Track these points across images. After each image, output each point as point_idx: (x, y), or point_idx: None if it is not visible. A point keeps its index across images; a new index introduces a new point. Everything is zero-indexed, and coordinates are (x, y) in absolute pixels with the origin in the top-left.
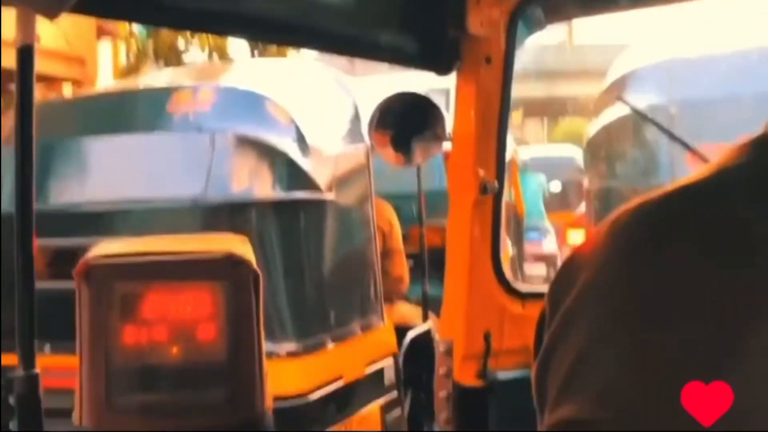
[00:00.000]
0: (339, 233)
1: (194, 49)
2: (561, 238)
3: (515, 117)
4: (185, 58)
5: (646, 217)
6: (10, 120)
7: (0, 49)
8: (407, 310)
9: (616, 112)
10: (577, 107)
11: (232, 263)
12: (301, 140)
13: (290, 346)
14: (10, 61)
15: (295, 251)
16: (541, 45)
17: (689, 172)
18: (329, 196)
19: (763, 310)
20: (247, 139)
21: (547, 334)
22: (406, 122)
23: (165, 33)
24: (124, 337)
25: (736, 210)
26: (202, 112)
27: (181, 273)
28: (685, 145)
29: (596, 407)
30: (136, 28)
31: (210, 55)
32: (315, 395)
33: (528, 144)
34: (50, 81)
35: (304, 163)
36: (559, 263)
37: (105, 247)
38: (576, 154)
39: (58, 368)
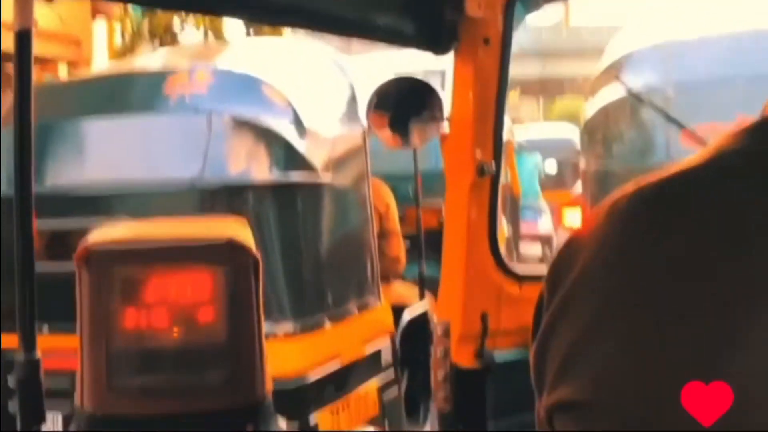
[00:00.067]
0: (336, 215)
1: (189, 29)
2: (557, 217)
3: (512, 97)
4: (180, 38)
5: (644, 202)
6: (7, 101)
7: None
8: (404, 291)
9: (612, 93)
10: (573, 87)
11: (232, 248)
12: (297, 122)
13: (288, 326)
14: (6, 43)
15: (293, 233)
16: (537, 25)
17: (685, 152)
18: (326, 178)
19: (761, 296)
20: (243, 121)
21: (546, 316)
22: (403, 105)
23: (160, 13)
24: (125, 321)
25: (733, 196)
26: (199, 95)
27: (182, 258)
28: (681, 126)
29: (593, 390)
30: (131, 8)
31: (205, 35)
32: (313, 375)
33: (524, 123)
34: (46, 62)
35: (301, 145)
36: (555, 243)
37: (105, 232)
38: (572, 133)
39: (56, 349)
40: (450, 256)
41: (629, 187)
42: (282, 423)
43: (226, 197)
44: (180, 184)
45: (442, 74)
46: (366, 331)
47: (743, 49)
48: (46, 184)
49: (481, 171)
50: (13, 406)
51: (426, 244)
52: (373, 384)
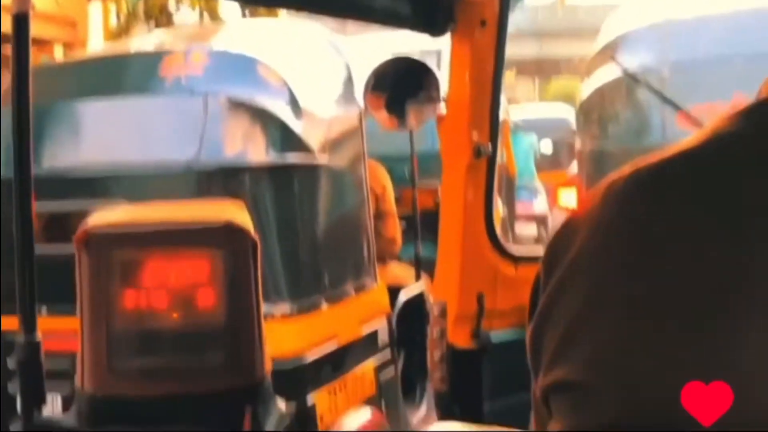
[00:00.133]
0: (332, 196)
1: (185, 9)
2: (552, 197)
3: (508, 77)
4: (176, 19)
5: (640, 184)
6: (5, 83)
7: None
8: (400, 272)
9: (608, 73)
10: (569, 67)
11: (230, 231)
12: (293, 103)
13: (285, 307)
14: (4, 26)
15: (289, 214)
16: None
17: (681, 132)
18: (322, 159)
19: (757, 277)
20: (239, 102)
21: (542, 298)
22: (400, 86)
23: None
24: (125, 304)
25: (729, 178)
26: (195, 76)
27: (181, 241)
28: (677, 107)
29: (588, 370)
30: None
31: (201, 16)
32: (310, 355)
33: (520, 103)
34: (41, 44)
35: (297, 126)
36: (550, 223)
37: (104, 215)
38: (567, 113)
39: (55, 331)
40: (446, 237)
41: (626, 168)
42: (281, 404)
43: (223, 179)
44: (176, 166)
45: (438, 54)
46: (363, 312)
47: (741, 27)
48: (42, 166)
49: (477, 152)
50: (12, 387)
51: (422, 225)
52: (369, 364)
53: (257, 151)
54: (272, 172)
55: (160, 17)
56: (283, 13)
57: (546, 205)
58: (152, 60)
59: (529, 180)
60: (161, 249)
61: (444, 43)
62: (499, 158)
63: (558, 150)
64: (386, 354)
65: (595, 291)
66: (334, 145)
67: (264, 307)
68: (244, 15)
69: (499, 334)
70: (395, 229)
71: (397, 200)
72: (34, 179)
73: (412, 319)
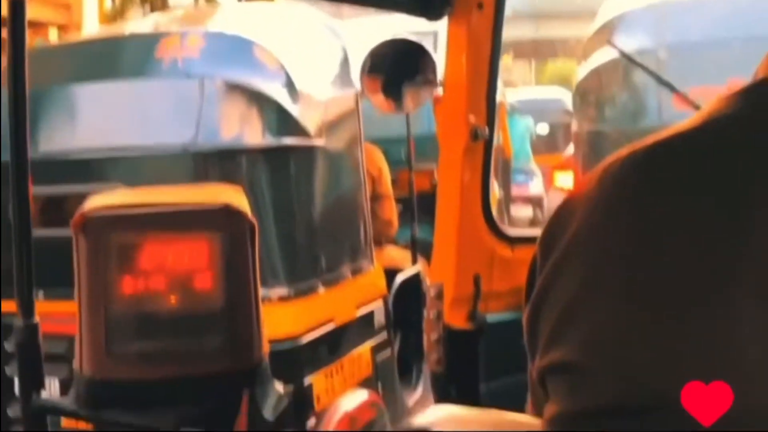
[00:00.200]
0: (329, 179)
1: None
2: (548, 180)
3: (505, 60)
4: (171, 1)
5: (636, 166)
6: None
7: None
8: (396, 254)
9: (605, 55)
10: (566, 49)
11: (228, 214)
12: (290, 85)
13: (282, 290)
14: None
15: (286, 197)
16: None
17: (677, 114)
18: (319, 141)
19: (751, 258)
20: (236, 85)
21: (539, 280)
22: (397, 68)
23: None
24: (123, 287)
25: (725, 160)
26: (191, 58)
27: (178, 224)
28: (673, 89)
29: (585, 352)
30: None
31: None
32: (307, 338)
33: (516, 87)
34: (36, 26)
35: (294, 108)
36: (546, 205)
37: (101, 199)
38: (563, 96)
39: (52, 314)
40: (443, 219)
41: (623, 151)
42: (278, 386)
43: (219, 162)
44: (173, 148)
45: (435, 35)
46: (359, 295)
47: (738, 10)
48: (38, 150)
49: (474, 135)
50: (10, 370)
51: (418, 207)
52: (366, 346)
53: (254, 134)
54: (269, 154)
55: (155, 0)
56: None
57: (542, 188)
58: (148, 42)
59: (525, 162)
60: (159, 232)
61: (440, 24)
62: (496, 141)
63: (554, 133)
64: (383, 335)
65: (592, 273)
66: (330, 128)
67: (261, 291)
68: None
69: (495, 315)
70: (392, 211)
71: (394, 182)
72: (31, 163)
73: (408, 300)
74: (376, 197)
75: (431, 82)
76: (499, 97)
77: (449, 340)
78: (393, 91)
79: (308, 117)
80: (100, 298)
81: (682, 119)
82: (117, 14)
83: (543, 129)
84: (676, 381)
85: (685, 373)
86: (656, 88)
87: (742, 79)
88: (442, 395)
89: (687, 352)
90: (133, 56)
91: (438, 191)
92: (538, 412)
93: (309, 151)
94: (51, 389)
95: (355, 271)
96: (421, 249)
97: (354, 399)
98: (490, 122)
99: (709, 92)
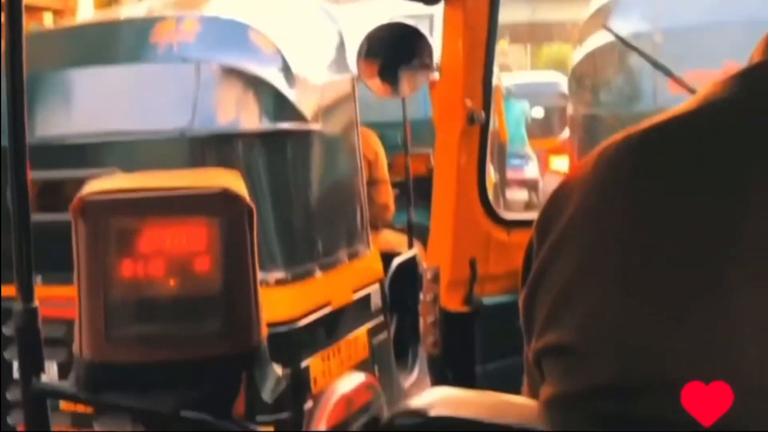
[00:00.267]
0: (325, 163)
1: None
2: (543, 164)
3: (501, 44)
4: None
5: (631, 151)
6: None
7: None
8: (393, 238)
9: (600, 39)
10: (562, 33)
11: (226, 198)
12: (286, 70)
13: (279, 274)
14: None
15: (283, 182)
16: None
17: (672, 98)
18: (315, 126)
19: (745, 241)
20: (232, 69)
21: (535, 263)
22: (393, 52)
23: None
24: (122, 271)
25: (720, 144)
26: (186, 43)
27: (177, 208)
28: (669, 73)
29: (580, 334)
30: None
31: None
32: (304, 321)
33: (512, 71)
34: (31, 11)
35: (290, 93)
36: (541, 189)
37: (100, 184)
38: (559, 79)
39: (50, 298)
40: (440, 203)
41: (618, 135)
42: (277, 368)
43: (216, 146)
44: (169, 133)
45: (431, 18)
46: (356, 277)
47: None
48: (34, 135)
49: (471, 119)
50: (9, 353)
51: (414, 191)
52: (363, 329)
53: (250, 118)
54: (265, 139)
55: None
56: None
57: (537, 171)
58: (143, 27)
59: (521, 146)
60: (158, 216)
61: (436, 8)
62: (491, 125)
63: (549, 116)
64: (379, 318)
65: (588, 256)
66: (327, 112)
67: (259, 274)
68: None
69: (491, 298)
70: (388, 195)
71: (390, 167)
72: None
73: (404, 283)
74: (372, 181)
75: (427, 66)
76: (494, 81)
77: (445, 323)
78: (389, 75)
79: (305, 101)
80: (99, 282)
81: (677, 103)
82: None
83: (538, 113)
84: (670, 362)
85: (680, 354)
86: (651, 72)
87: (737, 62)
88: (439, 377)
89: (682, 334)
90: (128, 41)
91: (434, 175)
92: (533, 394)
93: (305, 136)
94: (49, 373)
95: (352, 255)
96: (417, 233)
97: (351, 381)
98: (487, 106)
99: (704, 76)
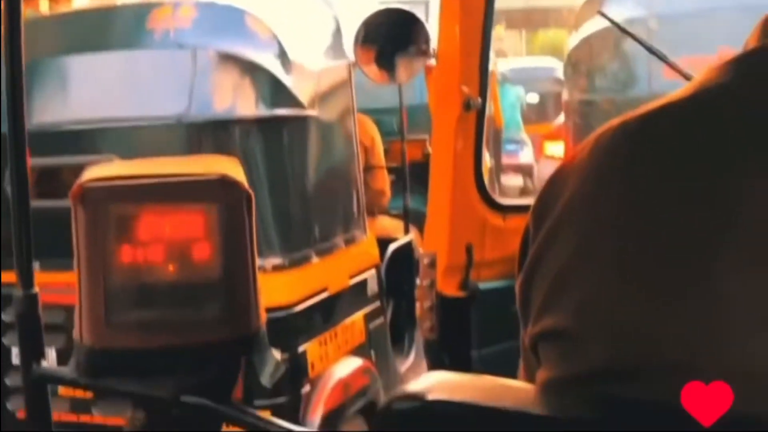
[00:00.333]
0: (322, 149)
1: None
2: (538, 149)
3: (497, 30)
4: None
5: (627, 136)
6: None
7: None
8: (389, 223)
9: (596, 24)
10: (557, 18)
11: (225, 185)
12: (283, 56)
13: (276, 260)
14: None
15: (279, 168)
16: None
17: (667, 83)
18: (312, 112)
19: (740, 228)
20: (228, 55)
21: (532, 249)
22: (390, 38)
23: None
24: (121, 258)
25: (717, 129)
26: (183, 29)
27: (176, 195)
28: (664, 58)
29: (577, 319)
30: None
31: None
32: (301, 306)
33: (507, 57)
34: None
35: (287, 79)
36: (536, 174)
37: (99, 170)
38: (554, 64)
39: (48, 285)
40: (436, 189)
41: (614, 120)
42: (275, 354)
43: (213, 133)
44: (166, 119)
45: (426, 4)
46: (352, 263)
47: None
48: (31, 122)
49: (467, 106)
50: (8, 339)
51: (410, 177)
52: (359, 314)
53: (247, 104)
54: (262, 125)
55: None
56: None
57: (532, 157)
58: (140, 13)
59: (516, 131)
60: (157, 203)
61: None
62: (487, 110)
63: (544, 102)
64: (375, 303)
65: (584, 241)
66: (323, 98)
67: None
68: None
69: (487, 283)
70: (384, 181)
71: (386, 153)
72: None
73: (400, 269)
74: (368, 167)
75: (424, 52)
76: (490, 67)
77: (442, 308)
78: (386, 61)
79: (301, 87)
80: (99, 269)
81: (672, 88)
82: None
83: (533, 98)
84: (666, 347)
85: (675, 338)
86: (646, 58)
87: (732, 48)
88: (435, 362)
89: (677, 319)
90: (124, 27)
91: (431, 162)
92: (529, 378)
93: (302, 122)
94: (48, 359)
95: (349, 241)
96: (413, 218)
97: (347, 366)
98: (483, 92)
99: (699, 61)
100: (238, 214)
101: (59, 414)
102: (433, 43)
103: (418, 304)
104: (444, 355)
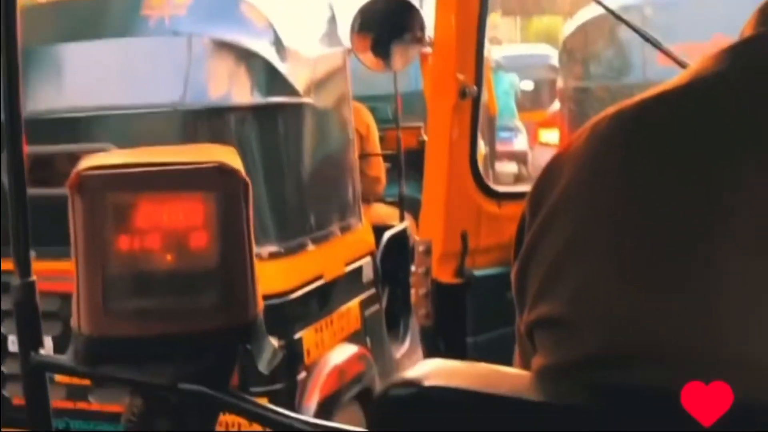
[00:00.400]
0: (318, 137)
1: None
2: (532, 137)
3: (492, 17)
4: None
5: (623, 124)
6: None
7: None
8: (384, 211)
9: (590, 11)
10: (552, 6)
11: (222, 173)
12: (278, 43)
13: (272, 247)
14: None
15: (275, 155)
16: None
17: (661, 70)
18: (307, 99)
19: (735, 216)
20: (224, 42)
21: (528, 236)
22: (386, 26)
23: None
24: (119, 246)
25: (712, 118)
26: (178, 16)
27: (173, 183)
28: (658, 45)
29: (572, 306)
30: None
31: None
32: (297, 293)
33: (502, 43)
34: None
35: (282, 66)
36: (530, 161)
37: (96, 159)
38: (549, 52)
39: (44, 273)
40: (431, 177)
41: (610, 109)
42: (273, 341)
43: (208, 120)
44: (161, 107)
45: None
46: (348, 250)
47: None
48: (26, 110)
49: (463, 94)
50: (5, 327)
51: (405, 164)
52: (355, 301)
53: (242, 92)
54: (257, 112)
55: None
56: None
57: (526, 144)
58: (134, 0)
59: (510, 119)
60: (154, 191)
61: None
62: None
63: (538, 88)
64: (371, 291)
65: (580, 229)
66: (319, 86)
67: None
68: None
69: (482, 270)
70: (379, 168)
71: (381, 140)
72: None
73: (395, 256)
74: (364, 155)
75: (419, 40)
76: (485, 55)
77: (437, 295)
78: (382, 49)
79: (297, 75)
80: (96, 257)
81: (667, 75)
82: None
83: (527, 85)
84: (661, 334)
85: (671, 326)
86: (641, 45)
87: (727, 35)
88: (431, 349)
89: (673, 307)
90: (119, 14)
91: (426, 149)
92: (525, 365)
93: (297, 109)
94: (45, 347)
95: (344, 228)
96: (408, 205)
97: (343, 352)
98: (478, 80)
99: (694, 48)
100: (236, 203)
101: (56, 401)
102: (429, 31)
103: (413, 291)
104: (439, 341)
